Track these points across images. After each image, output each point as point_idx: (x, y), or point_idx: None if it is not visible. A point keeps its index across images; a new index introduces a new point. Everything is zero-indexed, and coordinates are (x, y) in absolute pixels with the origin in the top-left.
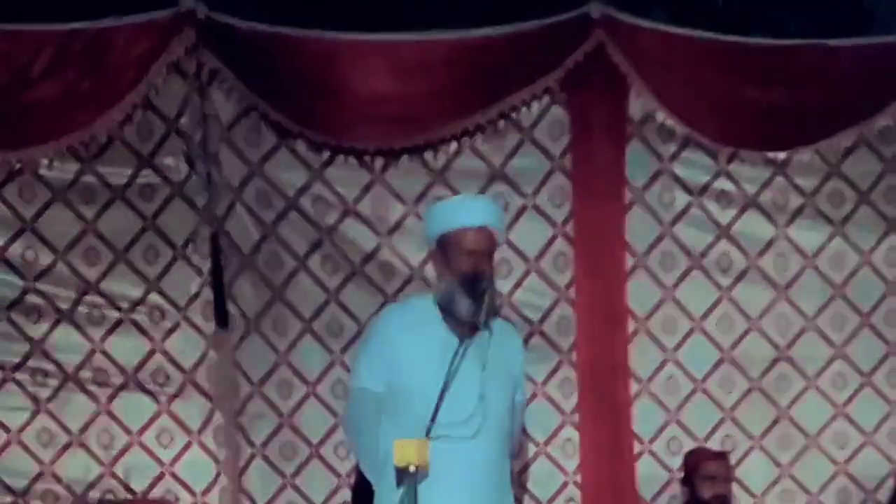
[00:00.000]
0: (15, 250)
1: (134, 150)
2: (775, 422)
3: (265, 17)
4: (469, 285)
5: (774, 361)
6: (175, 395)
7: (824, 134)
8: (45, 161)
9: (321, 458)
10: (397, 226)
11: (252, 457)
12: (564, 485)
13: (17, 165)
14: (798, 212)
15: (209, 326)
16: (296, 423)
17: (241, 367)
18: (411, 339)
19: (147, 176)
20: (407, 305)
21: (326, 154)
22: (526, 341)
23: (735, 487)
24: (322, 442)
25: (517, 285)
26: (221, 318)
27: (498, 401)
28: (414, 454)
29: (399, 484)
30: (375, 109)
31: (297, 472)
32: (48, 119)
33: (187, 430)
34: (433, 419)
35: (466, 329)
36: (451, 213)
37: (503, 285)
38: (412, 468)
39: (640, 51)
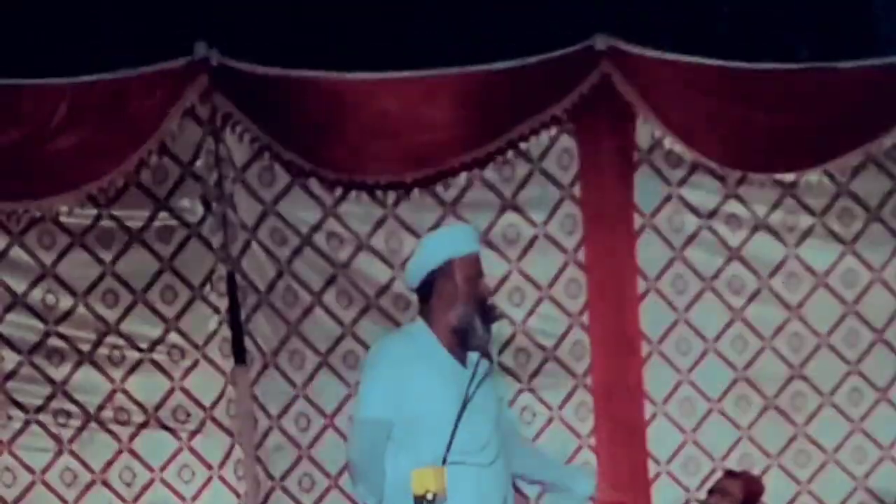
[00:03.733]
0: (35, 295)
1: (150, 193)
2: (792, 439)
3: (276, 59)
4: (483, 311)
5: (789, 379)
6: (195, 432)
7: (832, 154)
8: (63, 208)
9: (340, 490)
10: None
11: (272, 489)
12: None
13: (38, 214)
14: (808, 232)
15: (227, 363)
16: (314, 455)
17: (259, 402)
18: (419, 368)
19: (164, 218)
20: (406, 335)
21: (339, 191)
22: (541, 367)
23: None
24: (341, 473)
25: (530, 313)
26: (239, 355)
27: (501, 426)
28: (432, 482)
29: None
30: (385, 147)
31: None
32: (67, 170)
33: (208, 466)
34: (449, 447)
35: (465, 355)
36: (457, 241)
37: (516, 313)
38: (430, 496)
39: (646, 80)
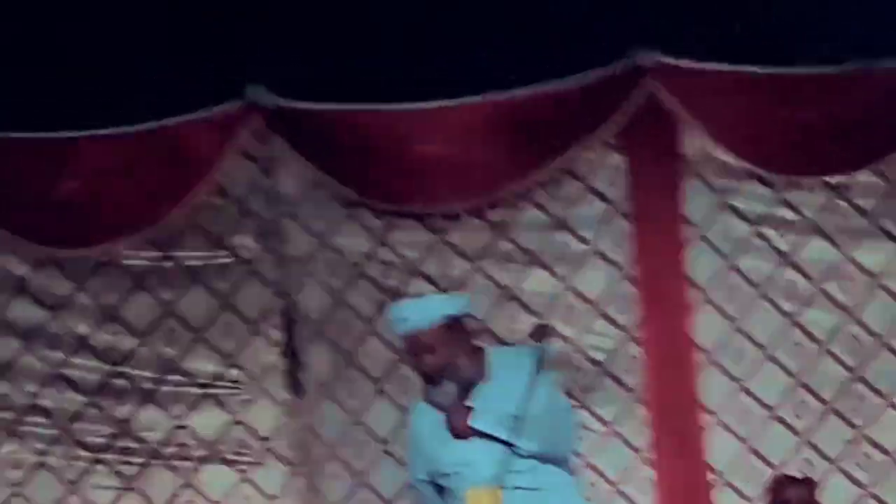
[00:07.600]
0: (100, 337)
1: (207, 232)
2: (853, 443)
3: (325, 95)
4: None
5: (848, 383)
6: (255, 464)
7: (882, 153)
8: (125, 251)
9: None
10: (462, 282)
11: None
12: None
13: (101, 259)
14: (861, 233)
15: (285, 395)
16: (371, 482)
17: (316, 432)
18: (431, 429)
19: (221, 256)
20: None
21: (388, 219)
22: (595, 383)
23: None
24: (397, 498)
25: (583, 330)
26: (296, 387)
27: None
28: (488, 502)
29: None
30: (433, 175)
31: None
32: (126, 215)
33: (268, 497)
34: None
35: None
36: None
37: (569, 330)
38: None
39: (690, 92)
